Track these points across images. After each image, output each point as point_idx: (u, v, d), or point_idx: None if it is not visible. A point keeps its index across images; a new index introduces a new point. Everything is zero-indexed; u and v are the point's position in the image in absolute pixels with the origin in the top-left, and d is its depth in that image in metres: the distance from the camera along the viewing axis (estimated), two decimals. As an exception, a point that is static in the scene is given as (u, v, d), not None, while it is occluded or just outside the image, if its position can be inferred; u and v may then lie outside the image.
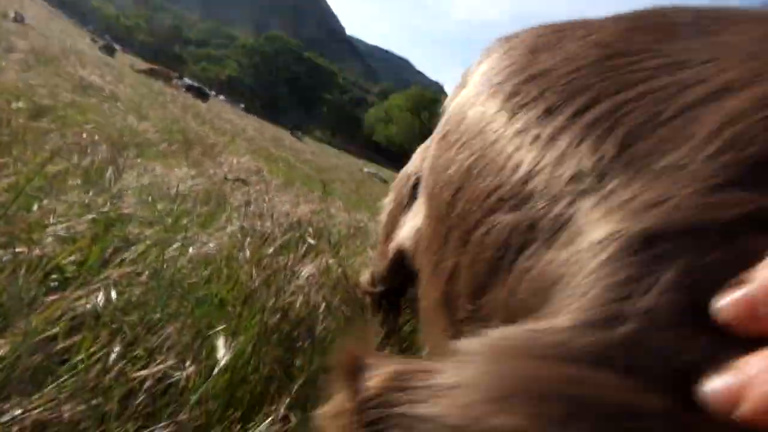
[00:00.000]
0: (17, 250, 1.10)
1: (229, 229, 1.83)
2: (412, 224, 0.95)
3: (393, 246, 1.12)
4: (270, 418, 0.93)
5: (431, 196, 0.64)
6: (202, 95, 18.28)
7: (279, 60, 71.21)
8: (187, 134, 5.49)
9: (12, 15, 11.67)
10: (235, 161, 4.12)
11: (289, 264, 1.39)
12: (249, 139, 9.45)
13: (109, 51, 22.23)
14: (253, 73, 70.06)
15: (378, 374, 0.35)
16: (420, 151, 1.19)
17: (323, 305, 1.36)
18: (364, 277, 1.46)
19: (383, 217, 1.28)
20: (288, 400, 0.98)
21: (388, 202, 1.26)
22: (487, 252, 0.48)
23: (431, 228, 0.62)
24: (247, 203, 2.20)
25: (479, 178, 0.54)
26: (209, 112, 12.43)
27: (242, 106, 41.23)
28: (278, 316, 1.24)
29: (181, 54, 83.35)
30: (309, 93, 71.88)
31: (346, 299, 1.44)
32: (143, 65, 21.12)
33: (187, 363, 1.03)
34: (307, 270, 1.35)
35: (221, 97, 36.62)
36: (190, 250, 1.54)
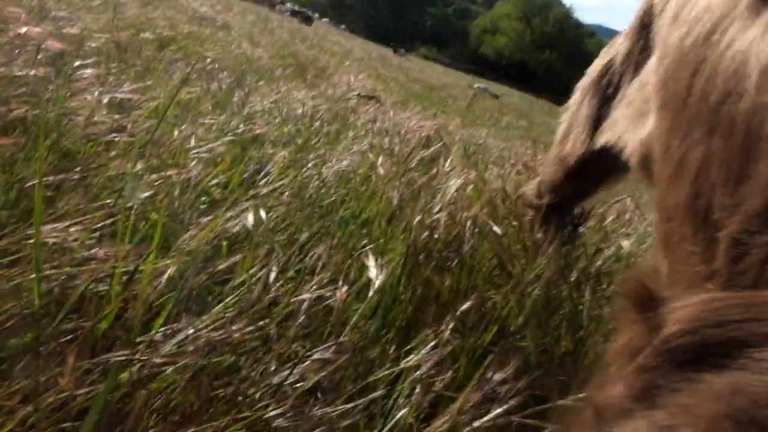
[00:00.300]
0: (168, 173, 1.11)
1: (357, 147, 1.78)
2: (627, 123, 0.82)
3: (577, 148, 1.00)
4: (432, 344, 0.88)
5: (664, 85, 0.53)
6: (306, 19, 18.27)
7: (376, -27, 69.22)
8: (298, 58, 5.49)
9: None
10: (352, 79, 4.06)
11: (433, 180, 1.31)
12: (357, 60, 9.35)
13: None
14: (354, -8, 68.88)
15: (685, 307, 0.26)
16: (620, 39, 1.02)
17: (469, 223, 1.27)
18: (528, 188, 1.35)
19: (564, 119, 1.15)
20: (452, 323, 0.92)
21: (572, 103, 1.13)
22: (741, 127, 0.38)
23: (667, 122, 0.50)
24: (373, 120, 2.13)
25: (722, 52, 0.42)
26: (315, 35, 12.41)
27: (343, 27, 40.84)
28: (425, 234, 1.17)
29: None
30: (412, 8, 69.49)
31: (493, 215, 1.34)
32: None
33: (339, 283, 1.00)
34: (452, 185, 1.26)
35: (325, 19, 36.43)
36: (324, 169, 1.51)
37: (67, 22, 1.98)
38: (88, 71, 1.51)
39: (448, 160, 1.45)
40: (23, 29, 1.69)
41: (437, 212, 1.28)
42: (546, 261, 1.14)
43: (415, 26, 69.39)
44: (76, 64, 1.61)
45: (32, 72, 1.35)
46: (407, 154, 1.74)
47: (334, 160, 1.59)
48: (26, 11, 2.04)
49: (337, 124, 2.14)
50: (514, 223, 1.44)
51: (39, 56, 1.51)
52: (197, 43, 3.79)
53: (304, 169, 1.47)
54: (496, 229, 1.33)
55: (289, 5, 22.89)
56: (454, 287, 1.20)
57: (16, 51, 1.58)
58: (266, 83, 2.79)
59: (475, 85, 20.35)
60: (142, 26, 3.20)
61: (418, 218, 1.22)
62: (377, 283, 0.97)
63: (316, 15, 28.54)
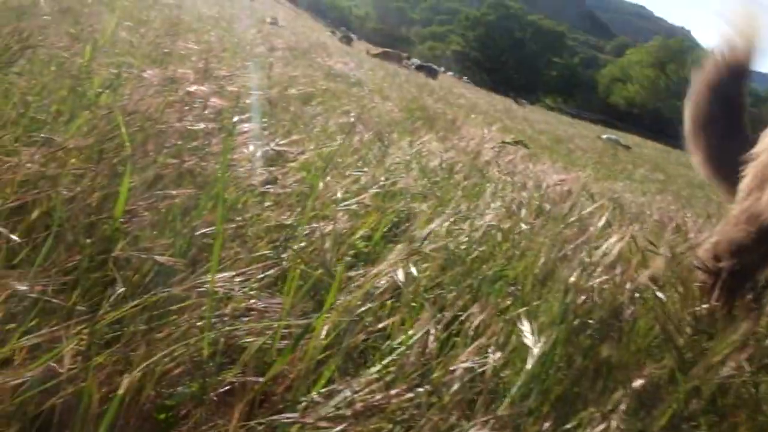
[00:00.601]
0: (319, 225, 1.12)
1: (499, 201, 1.73)
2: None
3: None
4: (600, 427, 0.78)
5: None
6: (432, 73, 18.79)
7: (502, 27, 69.58)
8: (427, 111, 5.60)
9: (269, 20, 13.42)
10: (483, 132, 4.04)
11: (587, 238, 1.21)
12: (483, 113, 9.38)
13: (347, 40, 24.18)
14: (478, 45, 69.72)
15: None
16: None
17: (628, 285, 1.15)
18: (704, 250, 1.21)
19: (750, 171, 1.03)
20: (623, 401, 0.81)
21: (762, 151, 1.01)
22: None
23: None
24: (511, 173, 2.07)
25: None
26: (441, 88, 12.69)
27: (466, 79, 41.49)
28: (582, 297, 1.08)
29: (408, 35, 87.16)
30: (536, 59, 69.00)
31: (655, 279, 1.21)
32: (376, 50, 22.48)
33: (491, 348, 0.93)
34: (608, 244, 1.15)
35: (449, 72, 37.30)
36: (466, 225, 1.46)
37: (227, 81, 2.16)
38: (246, 126, 1.61)
39: (603, 218, 1.34)
40: (192, 88, 1.86)
41: (594, 274, 1.17)
42: (731, 337, 0.99)
43: (539, 77, 68.66)
44: (236, 119, 1.73)
45: (201, 126, 1.47)
46: (550, 209, 1.66)
47: (475, 214, 1.55)
48: (194, 72, 2.27)
49: (475, 176, 2.10)
50: (680, 288, 1.29)
51: (205, 111, 1.65)
52: (334, 98, 3.98)
53: (447, 223, 1.43)
54: (660, 295, 1.20)
55: (415, 60, 23.75)
56: (615, 359, 1.08)
57: (186, 107, 1.73)
58: (400, 136, 2.84)
59: (605, 136, 19.52)
60: (287, 83, 3.42)
61: (573, 280, 1.12)
62: (536, 350, 0.89)
63: (442, 69, 29.28)
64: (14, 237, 0.93)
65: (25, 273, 0.80)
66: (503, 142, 2.74)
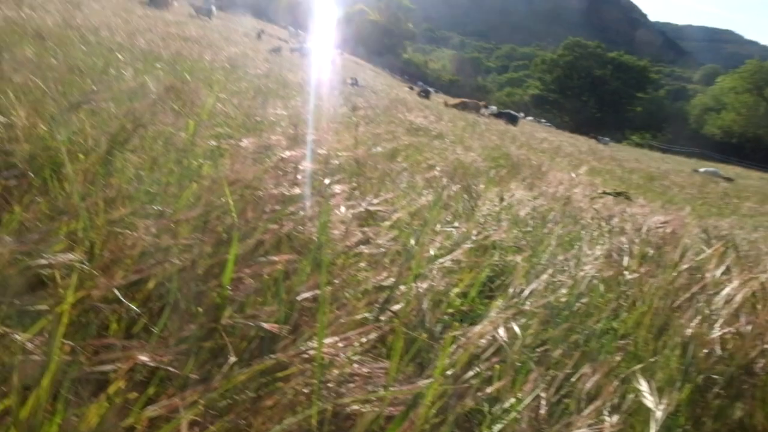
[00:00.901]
0: (416, 284, 1.12)
1: (597, 249, 1.65)
2: None
3: None
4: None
5: None
6: (512, 119, 18.69)
7: (581, 67, 68.34)
8: (510, 158, 5.55)
9: (350, 81, 14.01)
10: (570, 176, 3.93)
11: (704, 285, 1.12)
12: (567, 155, 9.16)
13: (426, 94, 24.70)
14: (557, 87, 68.76)
15: None
16: None
17: (757, 336, 1.05)
18: None
19: None
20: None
21: None
22: None
23: None
24: (607, 218, 1.98)
25: None
26: (522, 134, 12.57)
27: (546, 122, 40.92)
28: (704, 351, 0.99)
29: (485, 83, 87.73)
30: (619, 95, 66.85)
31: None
32: (454, 101, 22.75)
33: (607, 411, 0.87)
34: (730, 291, 1.06)
35: (529, 117, 37.00)
36: (565, 276, 1.40)
37: (316, 144, 2.25)
38: (337, 188, 1.66)
39: (717, 262, 1.24)
40: (285, 154, 1.96)
41: (715, 325, 1.08)
42: None
43: (624, 114, 66.39)
44: (327, 181, 1.79)
45: (296, 191, 1.53)
46: (654, 254, 1.56)
47: (573, 264, 1.48)
48: (285, 137, 2.39)
49: (569, 223, 2.03)
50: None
51: (298, 176, 1.72)
52: (418, 152, 4.04)
53: (545, 275, 1.38)
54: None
55: (493, 108, 23.78)
56: (751, 421, 0.97)
57: (281, 173, 1.82)
58: (487, 186, 2.81)
59: (702, 170, 18.38)
60: (372, 141, 3.51)
61: (691, 331, 1.04)
62: (658, 413, 0.82)
63: (521, 114, 29.09)
64: (133, 307, 1.00)
65: (145, 343, 0.85)
66: (604, 193, 2.63)
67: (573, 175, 4.06)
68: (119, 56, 5.53)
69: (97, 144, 2.10)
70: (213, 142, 2.08)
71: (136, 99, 3.46)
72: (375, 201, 1.53)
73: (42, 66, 3.92)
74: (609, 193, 2.67)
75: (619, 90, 66.98)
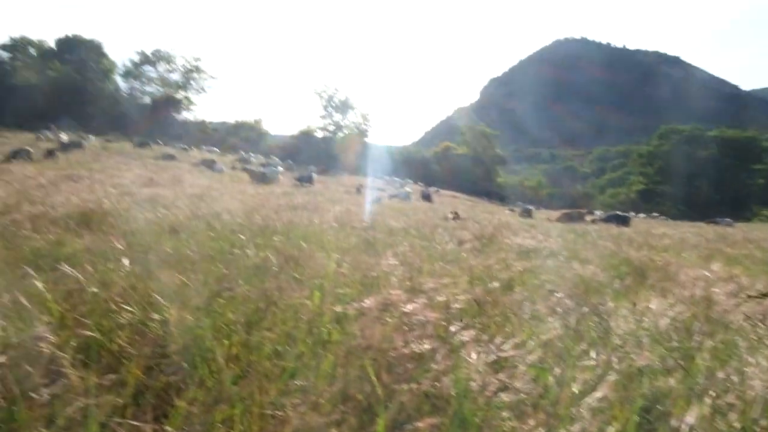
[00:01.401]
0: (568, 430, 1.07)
1: (761, 360, 1.49)
2: None
3: None
4: None
5: None
6: (622, 220, 17.96)
7: (682, 153, 65.39)
8: (632, 263, 5.27)
9: (450, 215, 14.38)
10: (705, 274, 3.66)
11: None
12: (694, 247, 8.54)
13: (527, 213, 24.61)
14: (663, 178, 65.82)
15: None
16: None
17: None
18: None
19: None
20: None
21: None
22: None
23: None
24: (763, 317, 1.80)
25: None
26: (638, 233, 11.99)
27: (658, 215, 38.81)
28: None
29: (585, 190, 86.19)
30: (733, 171, 62.52)
31: None
32: (556, 214, 22.39)
33: None
34: None
35: (640, 214, 35.40)
36: (730, 397, 1.28)
37: (434, 292, 2.30)
38: (464, 335, 1.67)
39: None
40: (407, 308, 2.02)
41: None
42: None
43: (743, 189, 61.60)
44: (452, 329, 1.81)
45: (426, 345, 1.56)
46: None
47: (737, 380, 1.35)
48: (403, 290, 2.47)
49: (718, 331, 1.87)
50: None
51: (425, 330, 1.75)
52: (534, 277, 3.97)
53: (708, 398, 1.27)
54: None
55: (599, 213, 23.14)
56: None
57: (405, 328, 1.87)
58: (615, 301, 2.69)
59: None
60: (485, 275, 3.52)
61: None
62: None
63: (631, 213, 27.93)
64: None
65: None
66: (762, 295, 2.42)
67: (706, 272, 3.77)
68: (241, 236, 6.12)
69: (236, 327, 2.29)
70: (338, 308, 2.19)
71: (262, 274, 3.77)
72: (505, 345, 1.52)
73: (181, 258, 4.42)
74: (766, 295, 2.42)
75: (731, 166, 62.91)
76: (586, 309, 2.24)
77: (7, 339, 2.27)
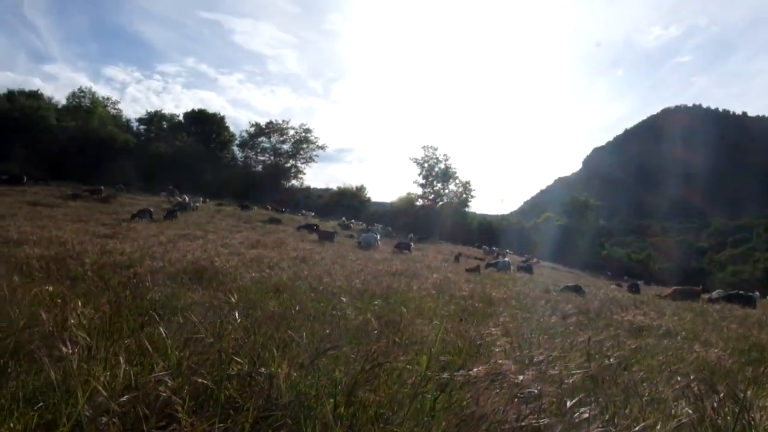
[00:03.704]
0: None
1: None
2: None
3: None
4: None
5: None
6: (747, 301, 16.34)
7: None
8: (764, 349, 4.74)
9: (551, 287, 13.81)
10: None
11: None
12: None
13: (635, 288, 23.15)
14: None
15: None
16: None
17: None
18: None
19: None
20: None
21: None
22: None
23: None
24: None
25: None
26: (764, 313, 10.85)
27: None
28: None
29: (700, 265, 79.92)
30: None
31: None
32: (667, 291, 20.82)
33: None
34: None
35: (756, 293, 32.12)
36: None
37: (547, 365, 2.19)
38: (584, 413, 1.56)
39: None
40: (518, 379, 1.93)
41: None
42: None
43: None
44: (568, 404, 1.70)
45: (543, 420, 1.46)
46: None
47: None
48: (512, 361, 2.37)
49: None
50: None
51: (541, 404, 1.66)
52: (649, 356, 3.70)
53: None
54: None
55: (719, 291, 21.25)
56: None
57: (517, 399, 1.77)
58: (754, 390, 2.41)
59: None
60: (596, 352, 3.31)
61: None
62: None
63: (756, 293, 25.36)
64: None
65: None
66: None
67: None
68: (342, 299, 6.22)
69: (341, 386, 2.29)
70: (445, 375, 2.13)
71: (363, 336, 3.78)
72: (634, 428, 1.40)
73: (286, 316, 4.55)
74: None
75: None
76: (717, 396, 2.02)
77: (129, 380, 2.42)
